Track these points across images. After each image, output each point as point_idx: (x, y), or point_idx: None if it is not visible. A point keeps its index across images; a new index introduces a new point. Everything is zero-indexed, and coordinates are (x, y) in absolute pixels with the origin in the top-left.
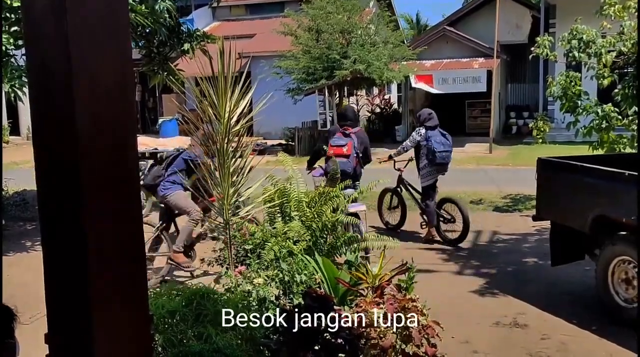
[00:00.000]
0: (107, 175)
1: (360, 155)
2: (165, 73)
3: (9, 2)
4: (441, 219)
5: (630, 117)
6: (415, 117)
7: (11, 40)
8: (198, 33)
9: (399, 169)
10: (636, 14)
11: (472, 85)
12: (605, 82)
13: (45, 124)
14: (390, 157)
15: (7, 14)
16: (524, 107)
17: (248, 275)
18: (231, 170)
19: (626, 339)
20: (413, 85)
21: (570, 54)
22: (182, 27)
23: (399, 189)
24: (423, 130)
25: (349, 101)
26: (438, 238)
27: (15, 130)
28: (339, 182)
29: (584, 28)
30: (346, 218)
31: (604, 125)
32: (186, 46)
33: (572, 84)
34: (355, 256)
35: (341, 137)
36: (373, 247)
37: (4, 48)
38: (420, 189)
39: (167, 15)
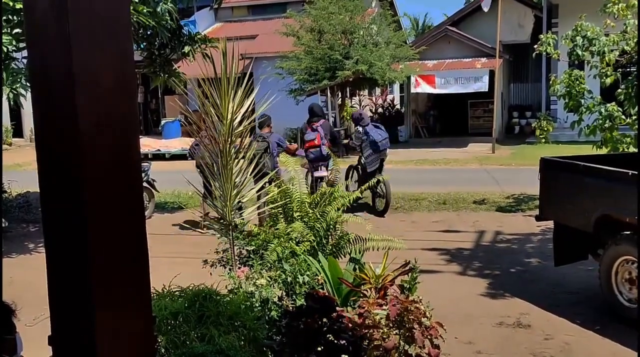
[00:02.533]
0: (109, 176)
1: (329, 138)
2: (166, 75)
3: (11, 4)
4: (377, 195)
5: (634, 117)
6: (417, 119)
7: (13, 42)
8: (199, 37)
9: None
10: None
11: (475, 85)
12: (608, 80)
13: (47, 125)
14: (348, 143)
15: (10, 16)
16: (527, 106)
17: (251, 276)
18: (234, 171)
19: (630, 339)
20: (413, 90)
21: (574, 53)
22: (183, 30)
23: (359, 166)
24: (361, 128)
25: (351, 102)
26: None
27: (18, 132)
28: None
29: (587, 25)
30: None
31: (607, 125)
32: (186, 49)
33: (577, 82)
34: (361, 255)
35: (310, 133)
36: (378, 248)
37: (5, 50)
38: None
39: (168, 18)
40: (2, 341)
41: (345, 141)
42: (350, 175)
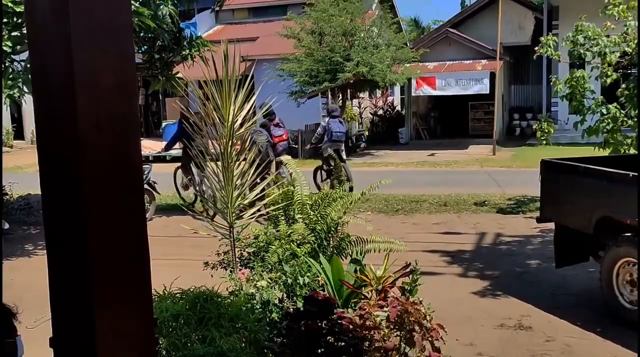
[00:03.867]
0: (109, 176)
1: None
2: (164, 78)
3: (10, 4)
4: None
5: (634, 119)
6: (419, 118)
7: (9, 44)
8: (198, 41)
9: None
10: None
11: (475, 87)
12: (609, 80)
13: (47, 125)
14: (311, 144)
15: (10, 19)
16: (527, 108)
17: (252, 278)
18: (235, 173)
19: (631, 341)
20: (413, 93)
21: (575, 52)
22: (183, 33)
23: (324, 166)
24: (327, 119)
25: (351, 104)
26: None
27: (19, 134)
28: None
29: (588, 26)
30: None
31: (609, 126)
32: (185, 52)
33: (583, 82)
34: (362, 257)
35: (276, 128)
36: (379, 250)
37: (4, 53)
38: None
39: (169, 21)
40: (2, 344)
41: (307, 147)
42: (316, 176)
